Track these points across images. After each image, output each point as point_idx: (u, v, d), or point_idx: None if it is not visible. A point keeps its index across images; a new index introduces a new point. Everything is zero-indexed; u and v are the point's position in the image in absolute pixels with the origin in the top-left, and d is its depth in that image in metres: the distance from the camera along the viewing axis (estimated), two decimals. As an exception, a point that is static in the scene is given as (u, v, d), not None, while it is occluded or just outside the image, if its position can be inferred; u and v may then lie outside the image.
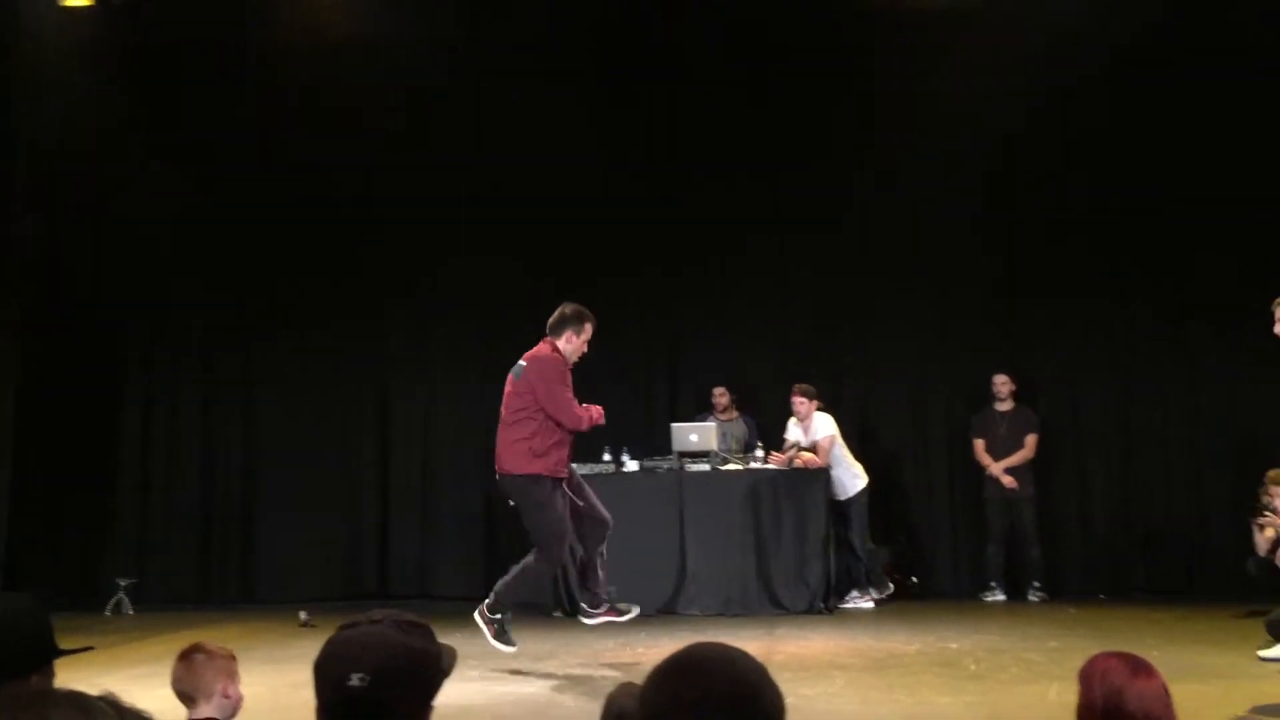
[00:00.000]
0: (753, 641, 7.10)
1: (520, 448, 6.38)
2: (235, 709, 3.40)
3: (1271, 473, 7.35)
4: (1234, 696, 5.21)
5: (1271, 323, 6.05)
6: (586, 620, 6.72)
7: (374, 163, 10.27)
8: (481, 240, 10.39)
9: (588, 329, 6.56)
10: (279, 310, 10.61)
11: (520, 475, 6.42)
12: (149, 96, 9.96)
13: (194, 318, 10.71)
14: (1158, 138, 9.71)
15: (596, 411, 6.54)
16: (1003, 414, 9.61)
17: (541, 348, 6.54)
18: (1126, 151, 9.81)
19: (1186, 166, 9.71)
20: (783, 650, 6.96)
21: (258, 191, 10.36)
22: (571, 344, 6.52)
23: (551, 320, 6.59)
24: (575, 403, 6.43)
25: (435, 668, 1.86)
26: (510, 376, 6.60)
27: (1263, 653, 6.28)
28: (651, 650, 6.90)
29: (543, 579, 7.00)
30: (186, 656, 3.37)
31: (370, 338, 10.70)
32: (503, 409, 6.58)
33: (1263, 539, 7.90)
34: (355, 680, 1.77)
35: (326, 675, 1.81)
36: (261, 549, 10.49)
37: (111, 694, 1.08)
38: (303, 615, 8.43)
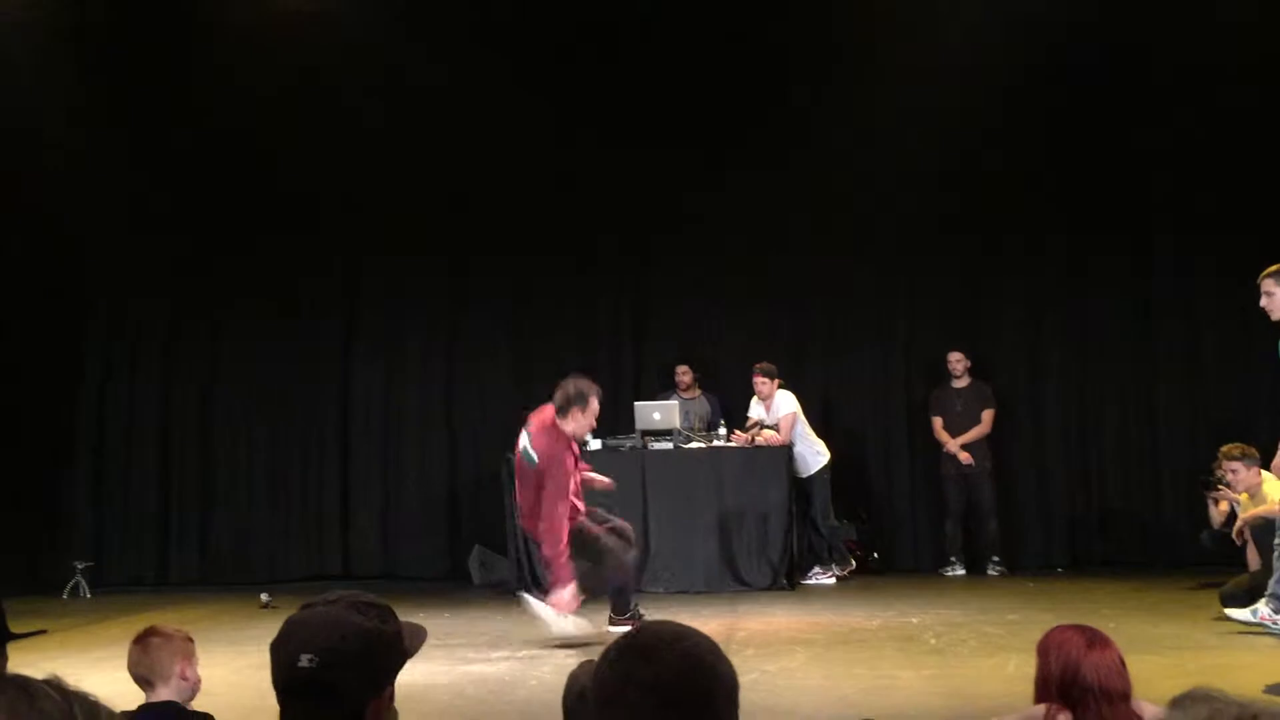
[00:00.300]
0: (715, 618, 7.15)
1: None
2: (193, 692, 3.37)
3: (1225, 448, 7.45)
4: (1188, 667, 5.30)
5: (1258, 296, 6.08)
6: (611, 628, 6.66)
7: (333, 149, 10.13)
8: (442, 220, 10.35)
9: (594, 404, 6.54)
10: (239, 293, 10.49)
11: None
12: (124, 70, 9.79)
13: (153, 303, 10.56)
14: (1125, 116, 9.77)
15: (566, 575, 6.40)
16: (959, 390, 9.68)
17: (548, 438, 6.46)
18: (1089, 130, 9.86)
19: (1149, 145, 9.80)
20: (745, 626, 6.99)
21: (221, 181, 10.21)
22: (578, 422, 6.51)
23: (557, 401, 6.54)
24: (562, 521, 6.42)
25: (391, 649, 1.85)
26: (521, 459, 6.56)
27: (1229, 611, 6.40)
28: (614, 628, 6.90)
29: (623, 578, 6.83)
30: (142, 640, 3.34)
31: (333, 318, 10.60)
32: (519, 491, 6.60)
33: (1217, 512, 8.02)
34: (305, 661, 1.77)
35: (279, 656, 1.80)
36: (221, 531, 10.40)
37: (56, 677, 1.06)
38: (264, 597, 8.38)
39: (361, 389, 10.58)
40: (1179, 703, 1.40)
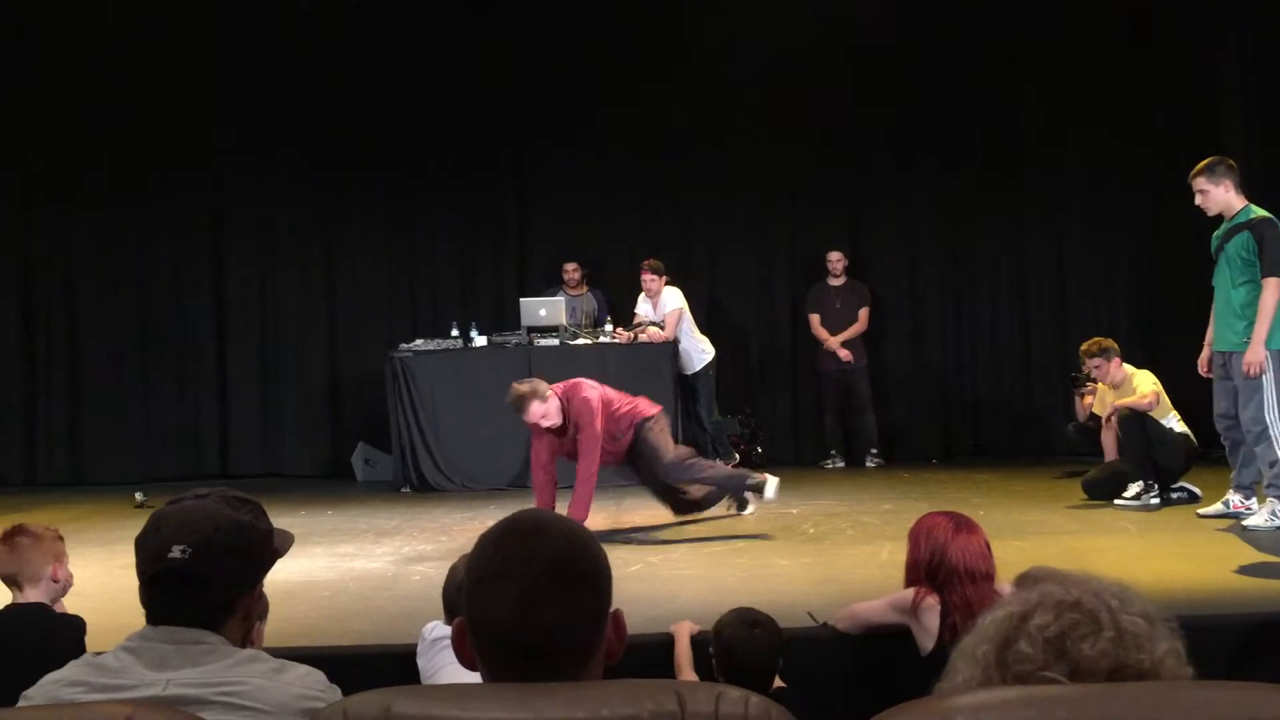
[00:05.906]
0: (600, 511, 7.21)
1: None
2: (64, 591, 3.30)
3: (1084, 346, 7.55)
4: (1049, 551, 5.56)
5: (1191, 197, 6.09)
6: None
7: (214, 37, 9.75)
8: (320, 118, 10.03)
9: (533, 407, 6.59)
10: (109, 185, 10.05)
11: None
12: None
13: (8, 185, 10.07)
14: (994, 12, 9.90)
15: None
16: (836, 289, 9.82)
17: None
18: (967, 24, 9.97)
19: (1014, 40, 9.97)
20: (629, 519, 7.10)
21: (86, 70, 9.72)
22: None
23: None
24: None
25: (263, 544, 1.84)
26: None
27: (1201, 510, 6.45)
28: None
29: (718, 477, 6.94)
30: (9, 539, 3.26)
31: (205, 213, 10.25)
32: None
33: (1082, 406, 8.34)
34: (176, 552, 1.74)
35: (147, 548, 1.77)
36: (93, 430, 10.10)
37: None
38: (139, 496, 8.19)
39: (238, 287, 10.29)
40: (1020, 581, 1.46)
